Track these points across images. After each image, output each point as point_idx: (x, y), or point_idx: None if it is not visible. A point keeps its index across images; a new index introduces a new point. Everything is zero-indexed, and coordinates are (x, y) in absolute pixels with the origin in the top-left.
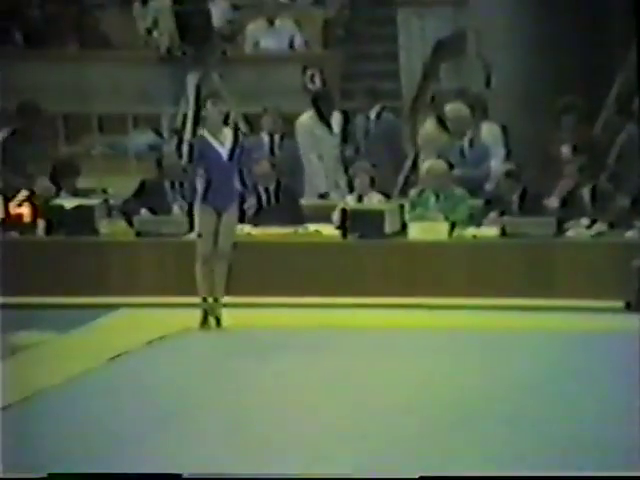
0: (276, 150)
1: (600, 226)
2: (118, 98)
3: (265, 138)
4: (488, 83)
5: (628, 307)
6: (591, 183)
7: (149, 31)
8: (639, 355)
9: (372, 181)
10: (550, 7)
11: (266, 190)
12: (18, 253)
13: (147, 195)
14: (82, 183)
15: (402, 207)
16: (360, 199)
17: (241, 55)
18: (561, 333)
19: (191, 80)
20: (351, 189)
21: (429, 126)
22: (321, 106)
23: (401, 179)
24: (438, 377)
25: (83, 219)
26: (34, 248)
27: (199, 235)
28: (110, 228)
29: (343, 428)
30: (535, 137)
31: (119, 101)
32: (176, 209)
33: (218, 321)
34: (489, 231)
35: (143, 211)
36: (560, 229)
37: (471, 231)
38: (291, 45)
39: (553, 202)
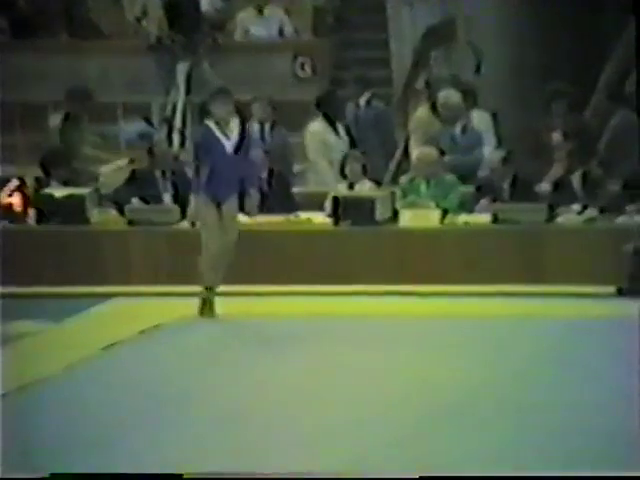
0: (267, 138)
1: (591, 212)
2: (108, 87)
3: (255, 126)
4: (478, 70)
5: (620, 292)
6: (582, 169)
7: (138, 20)
8: (632, 340)
9: (363, 168)
10: None
11: (259, 178)
12: (10, 243)
13: (138, 184)
14: (73, 172)
15: (393, 194)
16: (351, 187)
17: (231, 43)
18: (553, 319)
19: (181, 69)
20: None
21: (421, 113)
22: (326, 111)
23: (392, 166)
24: (433, 365)
25: (74, 208)
26: (26, 237)
27: (203, 225)
28: (101, 217)
29: (339, 422)
30: (526, 124)
31: (109, 90)
32: (167, 198)
33: (212, 309)
34: (480, 218)
35: (134, 200)
36: (551, 215)
37: (462, 218)
38: (281, 33)
39: (544, 188)
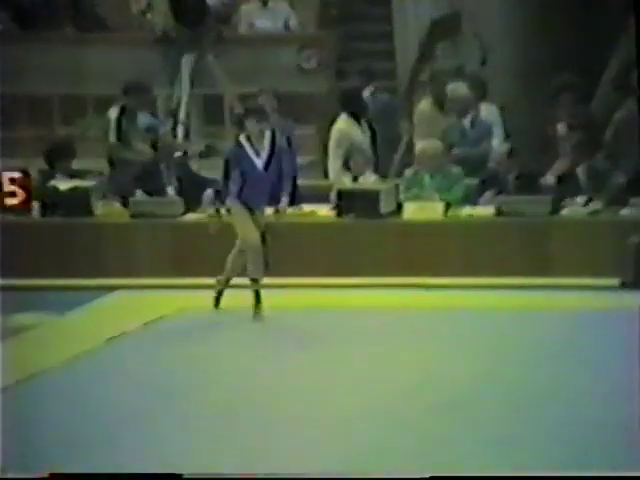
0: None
1: (596, 204)
2: (113, 80)
3: None
4: (484, 63)
5: (624, 285)
6: (587, 161)
7: (143, 13)
8: (635, 333)
9: (367, 161)
10: None
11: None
12: (14, 235)
13: (142, 177)
14: (78, 165)
15: (397, 187)
16: (355, 179)
17: (236, 36)
18: (557, 312)
19: (186, 61)
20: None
21: (423, 106)
22: (352, 108)
23: (397, 159)
24: (437, 358)
25: (79, 201)
26: (29, 230)
27: (243, 227)
28: (105, 210)
29: (339, 419)
30: (532, 116)
31: (114, 83)
32: (171, 190)
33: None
34: (485, 210)
35: (138, 192)
36: (556, 207)
37: (467, 210)
38: (286, 26)
39: (549, 180)
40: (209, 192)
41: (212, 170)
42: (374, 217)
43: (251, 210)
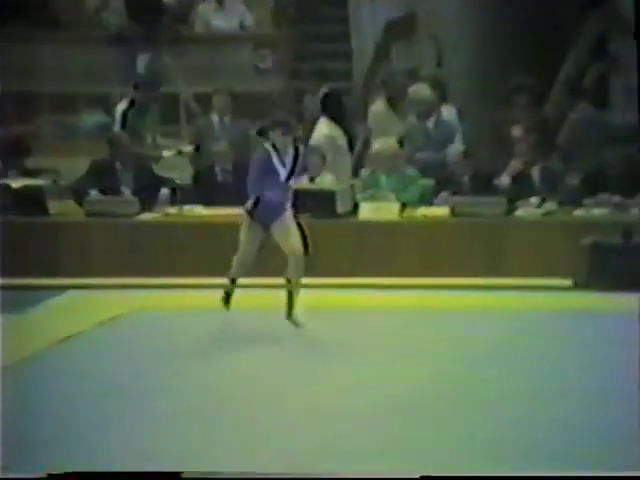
0: (227, 130)
1: (550, 205)
2: (68, 78)
3: (215, 118)
4: (439, 64)
5: (576, 286)
6: (542, 162)
7: (98, 11)
8: (586, 333)
9: (324, 161)
10: None
11: (223, 170)
12: None
13: (97, 175)
14: (32, 163)
15: (354, 187)
16: (312, 180)
17: (192, 35)
18: (510, 312)
19: (141, 60)
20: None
21: (378, 107)
22: (332, 111)
23: (352, 159)
24: (384, 360)
25: (33, 199)
26: None
27: (242, 248)
28: (60, 209)
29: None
30: (487, 117)
31: (69, 81)
32: (126, 190)
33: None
34: (440, 210)
35: (93, 192)
36: (510, 208)
37: (422, 211)
38: (242, 25)
39: (504, 181)
40: (164, 192)
41: (169, 170)
42: (330, 217)
43: (266, 228)
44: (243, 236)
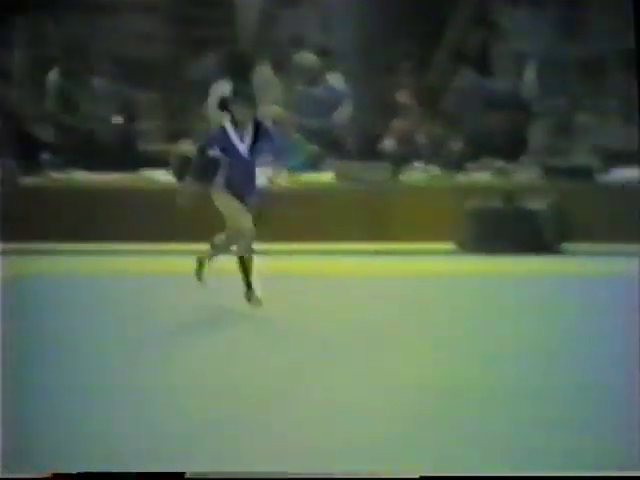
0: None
1: (434, 169)
2: None
3: (101, 81)
4: (325, 31)
5: (460, 249)
6: (426, 128)
7: None
8: (473, 297)
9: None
10: None
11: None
12: None
13: None
14: None
15: None
16: None
17: (75, 1)
18: (397, 277)
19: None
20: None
21: (264, 73)
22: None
23: None
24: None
25: None
26: None
27: (233, 214)
28: None
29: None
30: (373, 83)
31: None
32: None
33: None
34: (325, 176)
35: None
36: (395, 173)
37: (308, 176)
38: None
39: (388, 146)
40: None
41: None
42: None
43: (240, 197)
44: (224, 205)
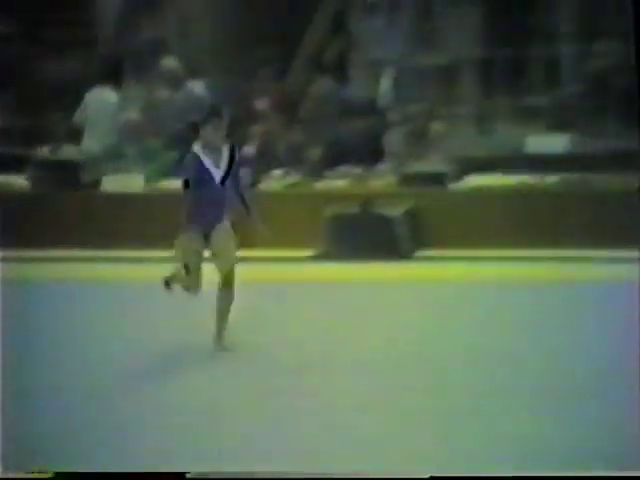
0: None
1: (293, 177)
2: None
3: None
4: (184, 36)
5: (317, 257)
6: (285, 135)
7: None
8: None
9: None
10: None
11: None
12: None
13: None
14: None
15: (98, 159)
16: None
17: None
18: (257, 284)
19: None
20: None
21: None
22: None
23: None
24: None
25: None
26: None
27: (185, 268)
28: None
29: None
30: (232, 90)
31: None
32: None
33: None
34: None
35: None
36: (254, 180)
37: (166, 183)
38: None
39: (249, 153)
40: None
41: None
42: (74, 189)
43: (206, 236)
44: (180, 248)
